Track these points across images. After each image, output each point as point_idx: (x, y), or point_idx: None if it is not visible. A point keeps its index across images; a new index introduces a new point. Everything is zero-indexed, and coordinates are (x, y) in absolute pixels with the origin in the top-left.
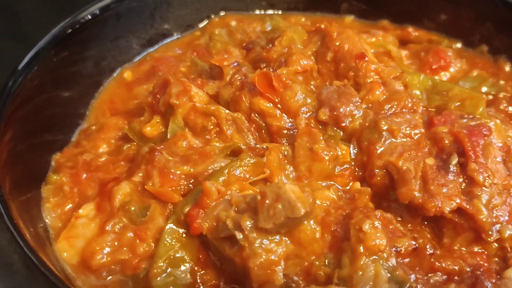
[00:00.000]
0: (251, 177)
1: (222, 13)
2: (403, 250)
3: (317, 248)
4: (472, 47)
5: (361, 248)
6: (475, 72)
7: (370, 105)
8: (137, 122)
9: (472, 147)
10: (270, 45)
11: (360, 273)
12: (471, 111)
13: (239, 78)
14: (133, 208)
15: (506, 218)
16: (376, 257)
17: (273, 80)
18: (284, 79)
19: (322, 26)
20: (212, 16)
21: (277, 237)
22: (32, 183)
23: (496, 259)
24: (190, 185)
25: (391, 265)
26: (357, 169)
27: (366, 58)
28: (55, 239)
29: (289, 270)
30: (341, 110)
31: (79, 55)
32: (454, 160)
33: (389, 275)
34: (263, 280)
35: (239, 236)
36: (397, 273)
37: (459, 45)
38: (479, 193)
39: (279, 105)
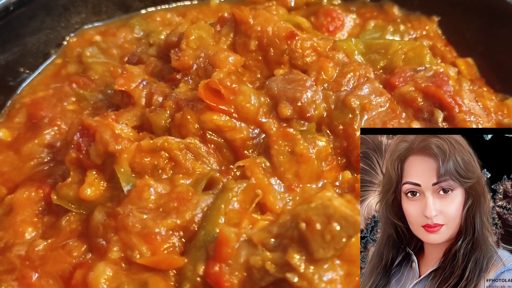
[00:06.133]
0: (248, 206)
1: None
2: None
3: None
4: None
5: None
6: (372, 23)
7: (326, 85)
8: (66, 187)
9: (451, 97)
10: (176, 50)
11: None
12: (419, 61)
13: (159, 99)
14: None
15: None
16: None
17: (221, 88)
18: (228, 83)
19: (226, 14)
20: (67, 38)
21: (328, 264)
22: None
23: None
24: (183, 239)
25: None
26: (339, 158)
27: (297, 37)
28: None
29: None
30: (303, 99)
31: None
32: (440, 116)
33: None
34: None
35: (294, 278)
36: None
37: (339, 0)
38: None
39: (234, 115)
